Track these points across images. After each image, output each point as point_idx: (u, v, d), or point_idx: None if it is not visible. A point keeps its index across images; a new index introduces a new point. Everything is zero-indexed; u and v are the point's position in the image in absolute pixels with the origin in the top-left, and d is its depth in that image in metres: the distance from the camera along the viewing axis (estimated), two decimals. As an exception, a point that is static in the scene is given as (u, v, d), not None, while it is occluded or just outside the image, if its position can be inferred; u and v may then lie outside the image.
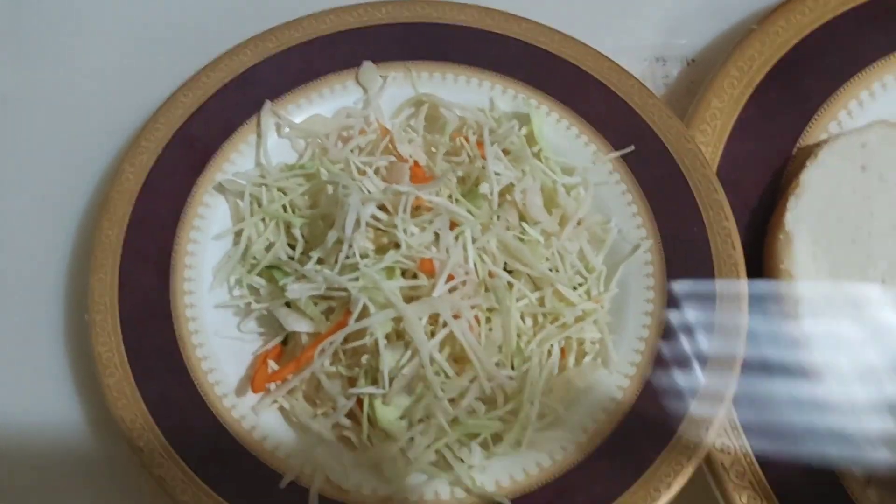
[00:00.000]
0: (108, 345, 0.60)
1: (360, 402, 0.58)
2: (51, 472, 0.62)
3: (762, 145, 0.69)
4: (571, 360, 0.63)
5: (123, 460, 0.61)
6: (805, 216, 0.64)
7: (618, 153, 0.67)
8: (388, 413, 0.57)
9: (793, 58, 0.72)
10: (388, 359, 0.57)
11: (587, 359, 0.63)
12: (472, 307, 0.60)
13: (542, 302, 0.62)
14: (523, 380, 0.60)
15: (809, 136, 0.70)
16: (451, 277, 0.60)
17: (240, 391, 0.60)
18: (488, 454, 0.59)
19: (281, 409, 0.60)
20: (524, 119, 0.69)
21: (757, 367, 0.60)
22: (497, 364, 0.60)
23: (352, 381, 0.59)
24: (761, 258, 0.65)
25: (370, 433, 0.59)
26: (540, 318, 0.62)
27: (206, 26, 0.77)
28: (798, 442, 0.59)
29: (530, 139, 0.68)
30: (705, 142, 0.68)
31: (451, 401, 0.58)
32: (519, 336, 0.61)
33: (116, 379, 0.59)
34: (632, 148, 0.67)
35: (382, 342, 0.57)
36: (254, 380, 0.59)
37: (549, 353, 0.62)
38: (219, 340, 0.62)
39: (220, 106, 0.68)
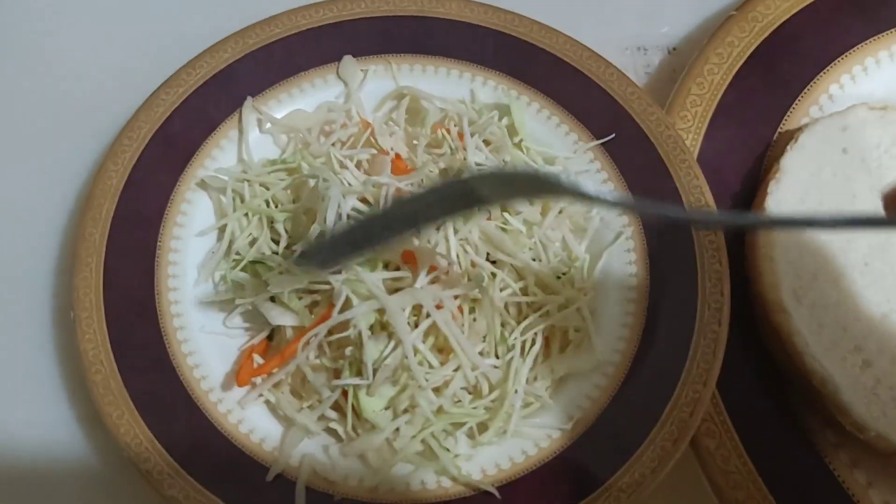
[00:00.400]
0: (94, 342, 0.60)
1: (345, 393, 0.59)
2: (39, 471, 0.62)
3: (743, 131, 0.70)
4: (555, 348, 0.63)
5: (112, 458, 0.62)
6: (786, 200, 0.64)
7: (598, 141, 0.67)
8: (373, 404, 0.58)
9: (773, 43, 0.72)
10: (372, 350, 0.58)
11: (570, 347, 0.63)
12: (455, 297, 0.60)
13: (525, 291, 0.63)
14: (507, 368, 0.60)
15: (791, 121, 0.70)
16: (433, 268, 0.60)
17: (226, 386, 0.61)
18: (474, 443, 0.59)
19: (267, 402, 0.61)
20: (505, 110, 0.69)
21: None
22: (481, 353, 0.60)
23: (336, 374, 0.59)
24: (744, 244, 0.66)
25: (355, 424, 0.59)
26: (524, 308, 0.63)
27: (186, 24, 0.77)
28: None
29: (511, 130, 0.68)
30: (686, 128, 0.69)
31: (436, 390, 0.59)
32: (503, 325, 0.62)
33: (103, 376, 0.59)
34: (612, 136, 0.67)
35: (366, 333, 0.58)
36: (238, 374, 0.60)
37: (533, 341, 0.62)
38: (204, 336, 0.62)
39: (201, 103, 0.68)
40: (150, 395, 0.59)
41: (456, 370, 0.59)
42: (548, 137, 0.69)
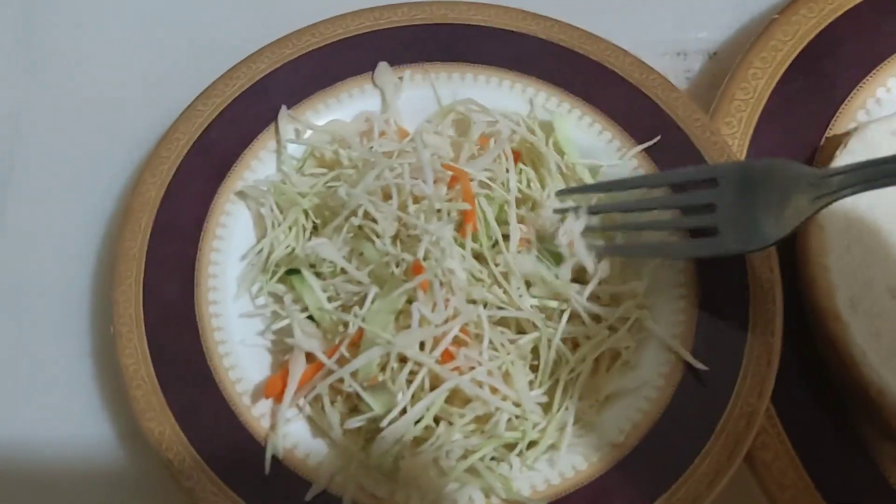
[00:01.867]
0: (135, 356, 0.59)
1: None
2: (80, 489, 0.62)
3: (789, 136, 0.68)
4: (603, 366, 0.61)
5: (154, 474, 0.61)
6: (836, 206, 0.63)
7: (641, 146, 0.66)
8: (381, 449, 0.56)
9: (817, 46, 0.70)
10: (375, 405, 0.57)
11: (618, 364, 0.61)
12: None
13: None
14: (554, 389, 0.59)
15: (838, 126, 0.69)
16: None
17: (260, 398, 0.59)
18: (524, 461, 0.58)
19: (309, 417, 0.59)
20: (548, 128, 0.68)
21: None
22: (531, 382, 0.59)
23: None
24: (794, 253, 0.64)
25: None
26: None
27: (220, 33, 0.77)
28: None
29: (556, 147, 0.67)
30: (731, 134, 0.67)
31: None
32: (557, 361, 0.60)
33: (144, 391, 0.58)
34: (657, 139, 0.66)
35: (363, 392, 0.57)
36: (266, 386, 0.59)
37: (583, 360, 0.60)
38: (245, 349, 0.61)
39: (238, 114, 0.67)
40: (192, 410, 0.58)
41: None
42: (590, 145, 0.67)
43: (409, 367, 0.57)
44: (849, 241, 0.62)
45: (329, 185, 0.65)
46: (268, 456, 0.56)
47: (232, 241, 0.64)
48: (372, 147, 0.66)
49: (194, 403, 0.58)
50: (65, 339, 0.66)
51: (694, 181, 0.62)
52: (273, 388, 0.59)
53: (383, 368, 0.57)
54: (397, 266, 0.60)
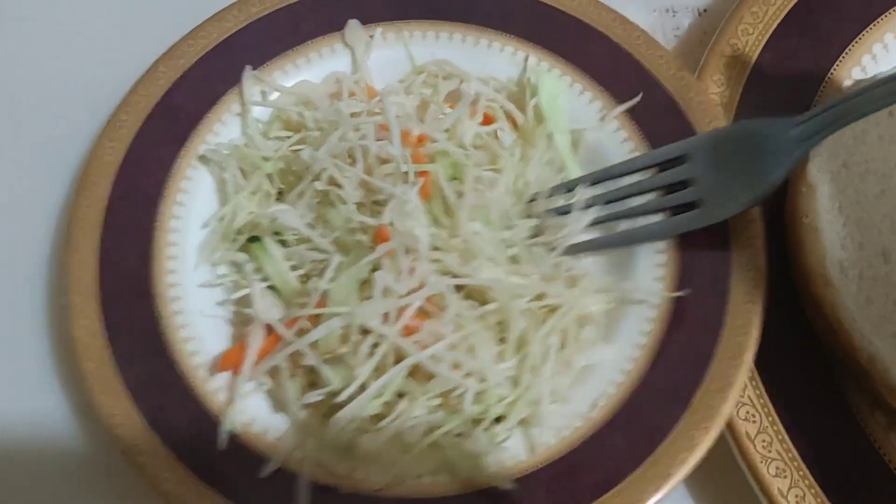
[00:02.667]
0: (88, 328, 0.57)
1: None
2: (34, 465, 0.60)
3: (781, 95, 0.65)
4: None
5: (109, 450, 0.58)
6: (828, 166, 0.59)
7: (622, 107, 0.63)
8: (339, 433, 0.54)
9: (810, 1, 0.67)
10: (334, 379, 0.54)
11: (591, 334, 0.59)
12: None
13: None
14: (522, 366, 0.56)
15: (833, 83, 0.65)
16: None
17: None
18: (491, 437, 0.55)
19: (268, 392, 0.57)
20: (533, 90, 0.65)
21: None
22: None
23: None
24: (783, 217, 0.61)
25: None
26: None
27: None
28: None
29: (537, 111, 0.64)
30: (719, 93, 0.64)
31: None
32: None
33: (96, 364, 0.56)
34: (638, 98, 0.63)
35: (321, 365, 0.54)
36: (223, 359, 0.57)
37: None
38: (204, 320, 0.59)
39: (202, 75, 0.65)
40: (146, 384, 0.55)
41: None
42: (570, 105, 0.64)
43: (370, 339, 0.54)
44: (840, 204, 0.59)
45: (293, 148, 0.62)
46: (223, 431, 0.54)
47: (193, 208, 0.62)
48: (338, 109, 0.62)
49: (149, 377, 0.56)
50: (20, 311, 0.64)
51: (666, 160, 0.60)
52: (230, 361, 0.56)
53: (345, 341, 0.55)
54: (363, 233, 0.57)
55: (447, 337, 0.54)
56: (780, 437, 0.56)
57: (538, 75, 0.65)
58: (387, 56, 0.66)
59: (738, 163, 0.57)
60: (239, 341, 0.58)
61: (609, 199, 0.61)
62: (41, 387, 0.61)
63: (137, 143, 0.62)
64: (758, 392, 0.57)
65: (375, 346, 0.54)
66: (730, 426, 0.56)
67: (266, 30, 0.66)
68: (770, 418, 0.56)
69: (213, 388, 0.56)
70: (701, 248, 0.59)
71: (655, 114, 0.63)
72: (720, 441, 0.55)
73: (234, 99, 0.64)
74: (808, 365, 0.58)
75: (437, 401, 0.55)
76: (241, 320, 0.59)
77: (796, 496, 0.54)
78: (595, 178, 0.61)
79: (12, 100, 0.72)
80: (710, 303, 0.57)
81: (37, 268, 0.65)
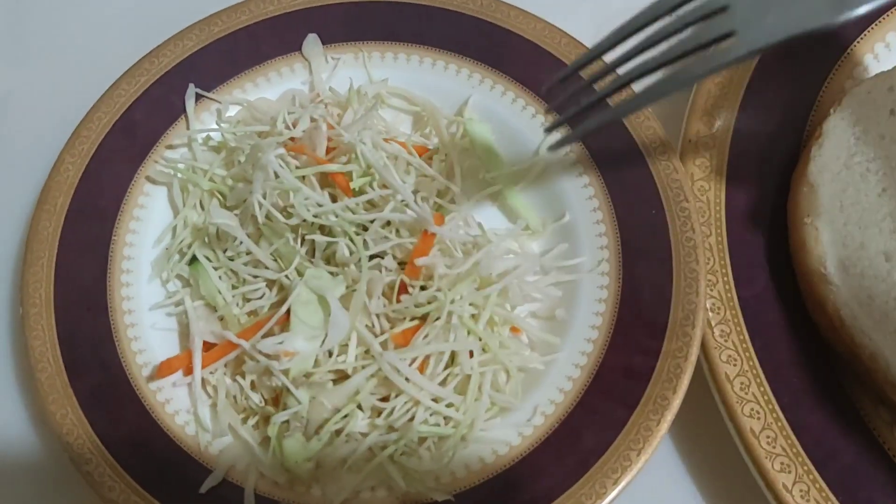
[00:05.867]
0: (42, 338, 0.58)
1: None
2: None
3: (784, 94, 0.66)
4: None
5: (62, 458, 0.60)
6: (829, 166, 0.60)
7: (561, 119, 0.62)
8: (296, 454, 0.55)
9: None
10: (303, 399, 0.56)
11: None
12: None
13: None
14: (465, 385, 0.58)
15: (834, 83, 0.66)
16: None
17: (175, 385, 0.59)
18: (434, 456, 0.57)
19: (213, 405, 0.59)
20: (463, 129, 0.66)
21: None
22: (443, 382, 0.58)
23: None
24: (785, 215, 0.62)
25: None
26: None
27: (152, 10, 0.76)
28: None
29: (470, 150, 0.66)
30: (722, 94, 0.65)
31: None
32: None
33: (48, 374, 0.57)
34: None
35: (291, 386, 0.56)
36: (160, 368, 0.58)
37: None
38: (156, 333, 0.60)
39: (162, 93, 0.66)
40: (96, 394, 0.57)
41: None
42: (514, 121, 0.66)
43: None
44: (842, 203, 0.59)
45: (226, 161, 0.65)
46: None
47: (150, 224, 0.63)
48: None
49: (99, 387, 0.57)
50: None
51: None
52: (166, 370, 0.58)
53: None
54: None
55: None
56: (784, 433, 0.56)
57: (470, 122, 0.66)
58: (347, 75, 0.68)
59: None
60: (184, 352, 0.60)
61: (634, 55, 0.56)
62: (2, 397, 0.63)
63: (97, 159, 0.64)
64: (762, 389, 0.57)
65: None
66: (734, 422, 0.56)
67: (226, 49, 0.68)
68: (774, 415, 0.57)
69: (162, 400, 0.57)
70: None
71: (604, 135, 0.63)
72: (725, 438, 0.56)
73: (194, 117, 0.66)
74: (811, 362, 0.59)
75: (383, 420, 0.56)
76: (187, 332, 0.61)
77: (801, 491, 0.55)
78: (611, 43, 0.56)
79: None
80: (650, 326, 0.58)
81: (2, 282, 0.67)
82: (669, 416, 0.55)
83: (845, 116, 0.62)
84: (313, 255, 0.60)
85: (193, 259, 0.61)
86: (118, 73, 0.66)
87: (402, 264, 0.60)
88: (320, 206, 0.59)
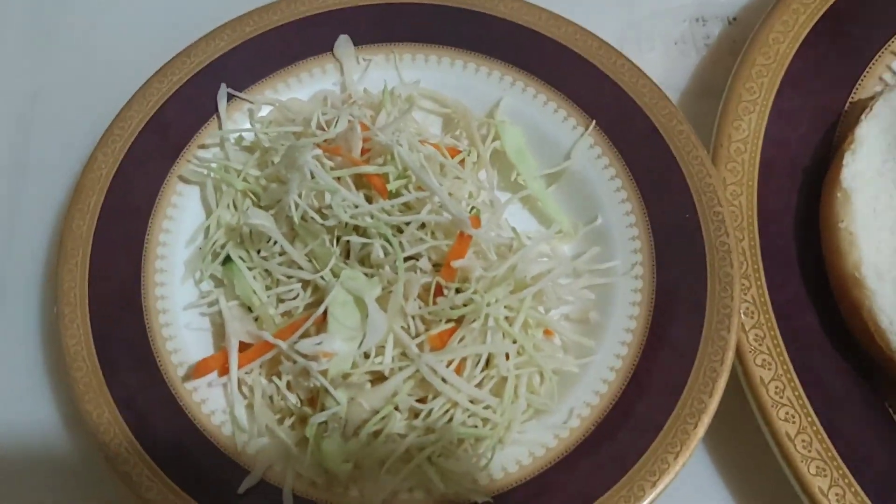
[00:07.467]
0: (77, 337, 0.58)
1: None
2: (21, 472, 0.61)
3: (813, 101, 0.66)
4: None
5: (96, 458, 0.60)
6: (863, 172, 0.61)
7: (590, 127, 0.65)
8: (334, 455, 0.55)
9: (839, 9, 0.68)
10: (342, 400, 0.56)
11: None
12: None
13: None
14: (501, 387, 0.58)
15: (863, 89, 0.67)
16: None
17: (210, 385, 0.58)
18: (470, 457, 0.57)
19: (249, 406, 0.58)
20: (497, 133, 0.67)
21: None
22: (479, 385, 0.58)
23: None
24: (816, 220, 0.62)
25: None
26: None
27: (183, 11, 0.76)
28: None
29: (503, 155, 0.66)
30: (752, 100, 0.65)
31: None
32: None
33: (84, 373, 0.57)
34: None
35: (330, 387, 0.56)
36: (196, 368, 0.58)
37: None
38: (190, 333, 0.60)
39: (194, 92, 0.66)
40: (132, 393, 0.57)
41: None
42: (546, 125, 0.66)
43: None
44: (875, 209, 0.60)
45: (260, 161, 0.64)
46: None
47: (183, 223, 0.63)
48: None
49: (135, 387, 0.57)
50: (13, 321, 0.65)
51: None
52: (203, 370, 0.58)
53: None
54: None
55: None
56: (819, 436, 0.57)
57: (502, 125, 0.66)
58: (378, 77, 0.68)
59: None
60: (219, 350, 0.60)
61: None
62: (33, 396, 0.63)
63: (129, 157, 0.64)
64: (797, 393, 0.58)
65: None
66: (770, 426, 0.57)
67: (258, 50, 0.68)
68: (809, 419, 0.57)
69: (198, 400, 0.57)
70: (678, 275, 0.60)
71: (637, 141, 0.64)
72: (757, 443, 0.57)
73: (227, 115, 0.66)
74: (845, 366, 0.59)
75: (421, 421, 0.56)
76: (221, 332, 0.60)
77: (836, 495, 0.55)
78: None
79: (10, 112, 0.73)
80: (686, 329, 0.58)
81: (34, 279, 0.67)
82: (706, 419, 0.55)
83: (878, 122, 0.62)
84: (347, 257, 0.60)
85: (227, 259, 0.60)
86: (148, 73, 0.66)
87: (435, 266, 0.60)
88: (357, 207, 0.59)
